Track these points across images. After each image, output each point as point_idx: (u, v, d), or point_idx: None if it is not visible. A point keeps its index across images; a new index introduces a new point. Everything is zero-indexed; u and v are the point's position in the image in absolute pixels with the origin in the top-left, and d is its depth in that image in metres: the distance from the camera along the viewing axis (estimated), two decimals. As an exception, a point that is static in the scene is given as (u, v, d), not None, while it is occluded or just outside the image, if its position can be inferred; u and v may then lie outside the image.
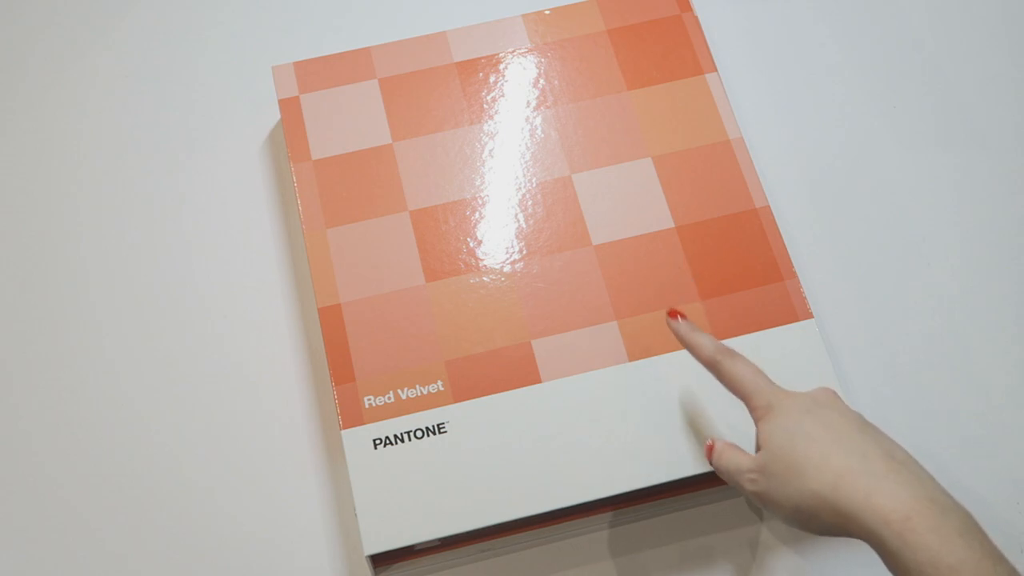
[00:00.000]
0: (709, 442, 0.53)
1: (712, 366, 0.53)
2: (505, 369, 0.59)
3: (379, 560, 0.57)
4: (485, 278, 0.62)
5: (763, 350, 0.60)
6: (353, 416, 0.58)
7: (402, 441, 0.57)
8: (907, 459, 0.46)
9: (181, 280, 0.66)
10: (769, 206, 0.64)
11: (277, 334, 0.64)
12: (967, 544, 0.41)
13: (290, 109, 0.66)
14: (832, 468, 0.45)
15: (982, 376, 0.63)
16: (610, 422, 0.58)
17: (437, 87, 0.68)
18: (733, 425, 0.57)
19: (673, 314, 0.55)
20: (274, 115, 0.70)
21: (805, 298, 0.61)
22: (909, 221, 0.67)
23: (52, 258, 0.66)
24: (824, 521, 0.46)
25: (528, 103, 0.68)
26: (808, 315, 0.61)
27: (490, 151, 0.66)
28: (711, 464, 0.53)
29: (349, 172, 0.65)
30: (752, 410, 0.51)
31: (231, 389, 0.62)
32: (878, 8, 0.75)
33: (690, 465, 0.57)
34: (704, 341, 0.53)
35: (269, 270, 0.66)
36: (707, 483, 0.59)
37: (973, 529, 0.43)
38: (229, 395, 0.62)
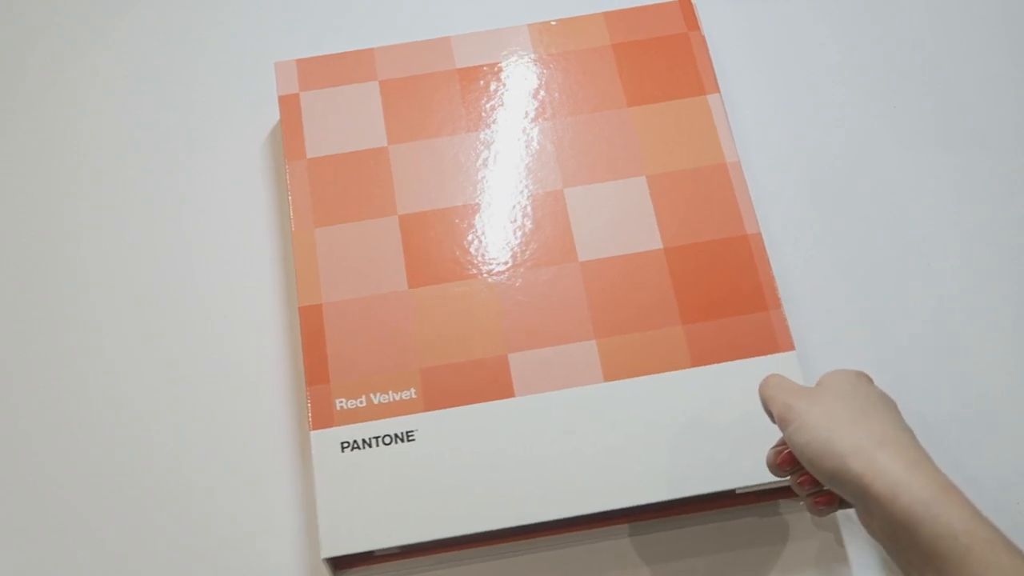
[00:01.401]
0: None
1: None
2: (479, 380, 0.60)
3: (340, 563, 0.58)
4: (468, 287, 0.62)
5: (740, 379, 0.59)
6: (324, 418, 0.59)
7: (370, 446, 0.58)
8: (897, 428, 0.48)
9: (181, 280, 0.67)
10: (760, 233, 0.63)
11: (278, 334, 0.65)
12: (993, 527, 0.43)
13: (289, 106, 0.67)
14: (881, 431, 0.46)
15: (982, 376, 0.62)
16: (580, 441, 0.58)
17: (437, 92, 0.68)
18: (709, 453, 0.57)
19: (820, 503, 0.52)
20: (276, 113, 0.70)
21: (788, 330, 0.60)
22: (909, 221, 0.67)
23: (52, 258, 0.67)
24: (841, 467, 0.45)
25: (527, 113, 0.67)
26: (789, 347, 0.60)
27: (484, 160, 0.66)
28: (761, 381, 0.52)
29: (342, 172, 0.66)
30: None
31: (231, 389, 0.63)
32: (878, 8, 0.74)
33: (660, 490, 0.56)
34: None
35: (270, 269, 0.67)
36: (677, 510, 0.59)
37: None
38: (229, 395, 0.63)
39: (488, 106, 0.68)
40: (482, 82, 0.68)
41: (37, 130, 0.71)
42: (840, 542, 0.58)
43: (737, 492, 0.58)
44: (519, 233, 0.64)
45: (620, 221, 0.64)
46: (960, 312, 0.64)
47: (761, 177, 0.68)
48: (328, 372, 0.60)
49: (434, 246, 0.63)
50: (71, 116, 0.72)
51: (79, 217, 0.69)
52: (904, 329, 0.64)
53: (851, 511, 0.49)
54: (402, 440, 0.58)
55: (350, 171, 0.66)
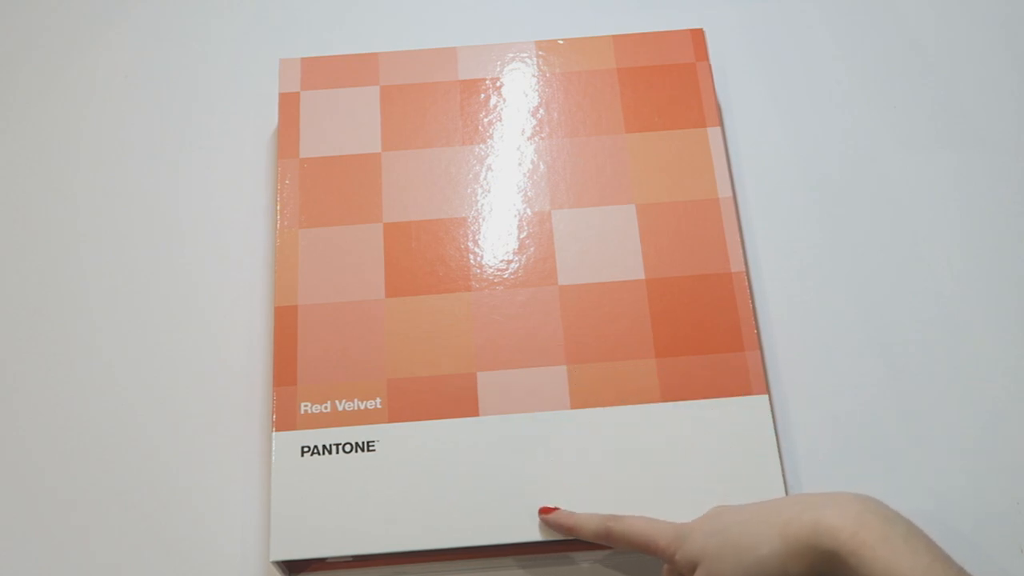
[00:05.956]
0: None
1: (604, 535, 0.53)
2: (445, 396, 0.59)
3: (294, 567, 0.58)
4: (444, 302, 0.62)
5: (708, 419, 0.58)
6: (287, 420, 0.59)
7: (330, 453, 0.58)
8: (836, 492, 0.47)
9: (183, 279, 0.66)
10: (744, 272, 0.62)
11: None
12: (914, 550, 0.43)
13: (288, 104, 0.67)
14: (774, 524, 0.46)
15: (982, 376, 0.63)
16: (540, 467, 0.57)
17: (436, 102, 0.68)
18: (667, 483, 0.56)
19: (545, 511, 0.55)
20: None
21: (763, 373, 0.59)
22: (909, 221, 0.67)
23: (52, 257, 0.67)
24: (789, 571, 0.46)
25: (523, 131, 0.67)
26: (762, 391, 0.59)
27: (475, 174, 0.66)
28: None
29: (333, 175, 0.65)
30: (662, 551, 0.51)
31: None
32: (878, 8, 0.75)
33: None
34: (586, 518, 0.54)
35: (263, 268, 0.66)
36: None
37: (917, 535, 0.45)
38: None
39: (485, 120, 0.67)
40: (482, 95, 0.68)
41: (37, 126, 0.71)
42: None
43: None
44: (502, 251, 0.63)
45: (605, 248, 0.63)
46: (960, 313, 0.64)
47: (761, 178, 0.68)
48: (296, 375, 0.60)
49: (415, 257, 0.63)
50: (71, 116, 0.71)
51: (79, 217, 0.68)
52: (904, 330, 0.64)
53: None
54: (362, 449, 0.58)
55: (340, 174, 0.65)
